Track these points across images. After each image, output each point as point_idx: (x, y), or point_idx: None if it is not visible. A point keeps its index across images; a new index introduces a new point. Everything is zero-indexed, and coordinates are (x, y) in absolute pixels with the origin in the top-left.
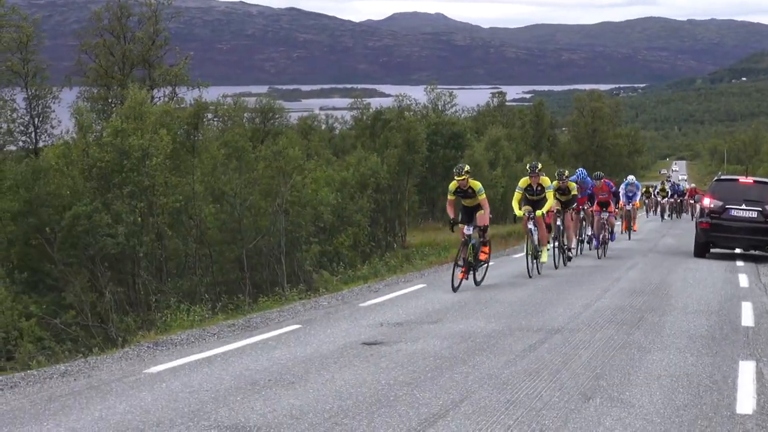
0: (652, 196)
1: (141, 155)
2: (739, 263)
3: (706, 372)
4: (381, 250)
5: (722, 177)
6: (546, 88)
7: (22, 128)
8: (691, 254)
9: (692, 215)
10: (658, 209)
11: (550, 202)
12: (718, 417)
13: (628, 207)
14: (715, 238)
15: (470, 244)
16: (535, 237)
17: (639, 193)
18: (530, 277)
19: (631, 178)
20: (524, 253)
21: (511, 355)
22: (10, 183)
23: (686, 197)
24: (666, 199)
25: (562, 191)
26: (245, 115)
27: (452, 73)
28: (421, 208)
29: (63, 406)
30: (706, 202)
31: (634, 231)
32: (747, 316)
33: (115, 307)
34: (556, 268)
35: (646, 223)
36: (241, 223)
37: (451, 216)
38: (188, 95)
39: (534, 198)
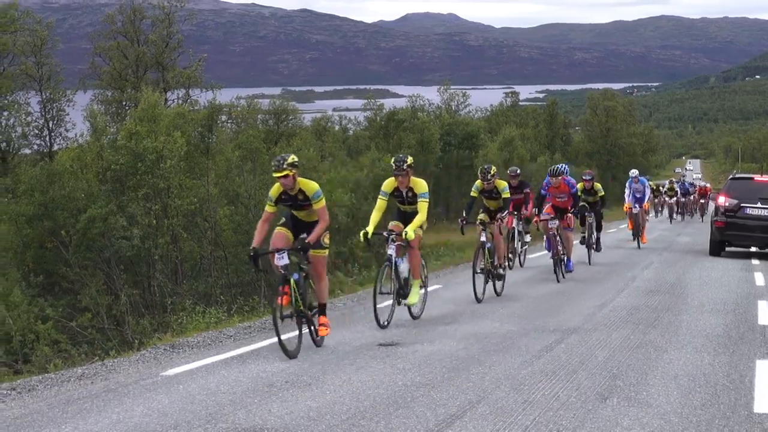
0: (661, 196)
1: (155, 158)
2: (755, 262)
3: (723, 371)
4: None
5: (737, 175)
6: (559, 87)
7: (37, 131)
8: (706, 253)
9: (702, 215)
10: (665, 209)
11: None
12: (736, 416)
13: (636, 210)
14: (730, 237)
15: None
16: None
17: (648, 192)
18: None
19: (634, 172)
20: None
21: (528, 356)
22: (25, 186)
23: (695, 196)
24: (674, 198)
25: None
26: (259, 116)
27: (465, 73)
28: (435, 208)
29: (80, 410)
30: (721, 200)
31: (644, 243)
32: (764, 314)
33: (130, 310)
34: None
35: (657, 224)
36: (255, 225)
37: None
38: (202, 97)
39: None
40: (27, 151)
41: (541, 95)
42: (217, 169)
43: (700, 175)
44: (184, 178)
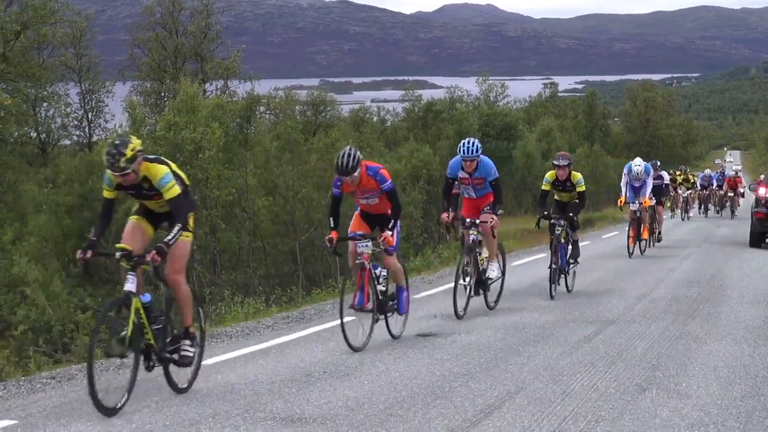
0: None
1: (194, 148)
2: None
3: (764, 363)
4: (434, 242)
5: None
6: (598, 78)
7: (76, 122)
8: (746, 244)
9: (733, 210)
10: (680, 205)
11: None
12: None
13: (634, 206)
14: None
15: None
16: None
17: (650, 184)
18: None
19: (636, 162)
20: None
21: (566, 347)
22: (65, 177)
23: (723, 189)
24: (688, 192)
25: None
26: (297, 107)
27: (503, 64)
28: None
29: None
30: (762, 191)
31: (652, 237)
32: None
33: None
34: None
35: (683, 223)
36: (293, 216)
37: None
38: (240, 88)
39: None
40: (66, 141)
41: (580, 86)
42: (256, 160)
43: (740, 167)
44: (222, 169)
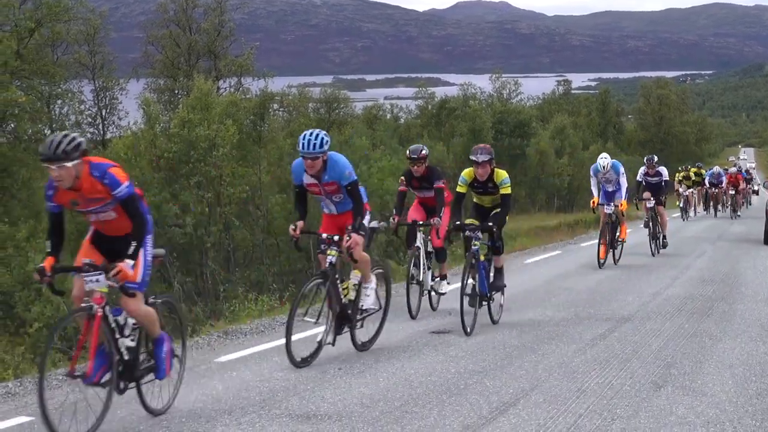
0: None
1: (208, 146)
2: None
3: None
4: (446, 240)
5: None
6: (611, 75)
7: (90, 120)
8: (761, 242)
9: (734, 209)
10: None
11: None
12: None
13: (608, 209)
14: None
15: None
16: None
17: (624, 185)
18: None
19: (602, 156)
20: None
21: (581, 344)
22: None
23: (723, 186)
24: (690, 190)
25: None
26: (310, 105)
27: (517, 61)
28: None
29: (135, 395)
30: None
31: (656, 242)
32: None
33: (183, 297)
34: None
35: (691, 222)
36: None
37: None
38: (254, 85)
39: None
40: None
41: (593, 83)
42: (269, 157)
43: (754, 164)
44: (236, 166)
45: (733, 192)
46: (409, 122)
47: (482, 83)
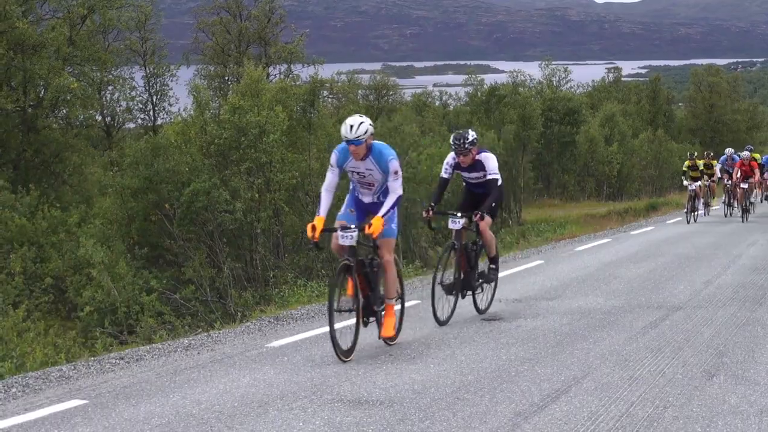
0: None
1: (258, 132)
2: None
3: None
4: (496, 226)
5: None
6: (662, 63)
7: (141, 106)
8: None
9: (744, 209)
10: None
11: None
12: None
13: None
14: None
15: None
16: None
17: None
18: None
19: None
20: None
21: (632, 332)
22: (130, 160)
23: (734, 177)
24: (698, 183)
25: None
26: (359, 92)
27: (566, 48)
28: (536, 184)
29: (188, 379)
30: None
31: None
32: None
33: (233, 283)
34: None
35: (697, 227)
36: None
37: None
38: (303, 72)
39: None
40: (131, 125)
41: (643, 71)
42: (319, 143)
43: None
44: (286, 152)
45: (746, 186)
46: (458, 109)
47: (532, 70)
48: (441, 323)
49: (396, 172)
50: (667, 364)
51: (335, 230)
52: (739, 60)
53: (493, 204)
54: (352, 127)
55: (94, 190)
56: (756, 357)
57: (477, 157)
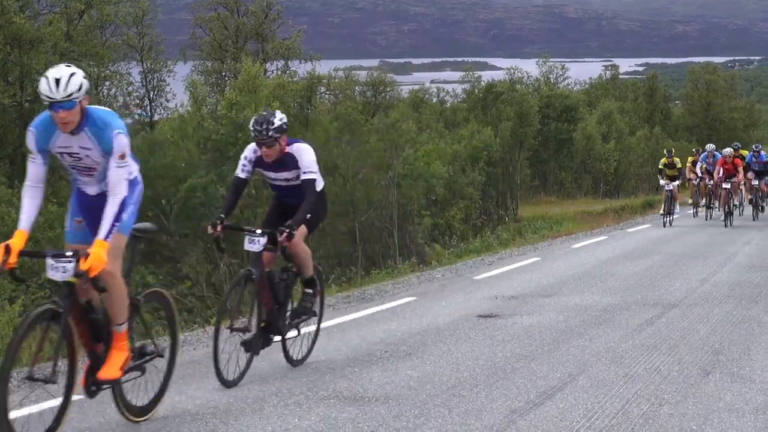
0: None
1: None
2: None
3: None
4: (493, 223)
5: None
6: (659, 60)
7: (138, 101)
8: None
9: (728, 211)
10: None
11: None
12: None
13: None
14: None
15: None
16: None
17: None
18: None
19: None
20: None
21: (628, 329)
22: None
23: (715, 176)
24: (675, 183)
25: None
26: (357, 88)
27: (564, 46)
28: (533, 181)
29: (183, 375)
30: None
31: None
32: None
33: (229, 279)
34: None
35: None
36: (353, 196)
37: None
38: (301, 68)
39: None
40: (128, 120)
41: (641, 68)
42: (316, 140)
43: None
44: None
45: (727, 185)
46: (456, 106)
47: (529, 67)
48: (228, 385)
49: (123, 156)
50: (663, 362)
51: (43, 256)
52: (737, 58)
53: (308, 215)
54: (58, 81)
55: None
56: (752, 355)
57: (287, 149)
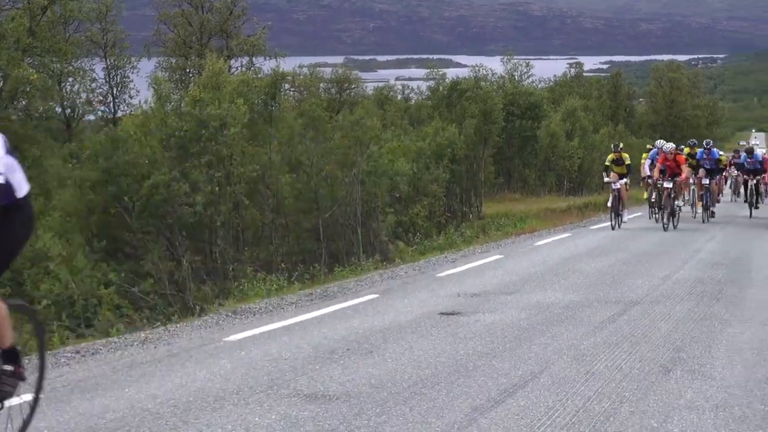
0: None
1: (219, 125)
2: None
3: None
4: (457, 220)
5: None
6: (623, 58)
7: (101, 98)
8: None
9: (670, 212)
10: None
11: None
12: None
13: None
14: None
15: None
16: None
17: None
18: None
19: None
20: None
21: (590, 327)
22: (90, 152)
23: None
24: (623, 180)
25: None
26: (321, 85)
27: (528, 43)
28: (497, 178)
29: (144, 373)
30: None
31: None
32: None
33: (192, 276)
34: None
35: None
36: (317, 193)
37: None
38: (265, 65)
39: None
40: (91, 117)
41: (605, 66)
42: (280, 136)
43: (764, 150)
44: (246, 145)
45: (669, 185)
46: (420, 103)
47: (494, 65)
48: None
49: None
50: (624, 359)
51: None
52: (700, 56)
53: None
54: None
55: (53, 183)
56: (713, 352)
57: None
